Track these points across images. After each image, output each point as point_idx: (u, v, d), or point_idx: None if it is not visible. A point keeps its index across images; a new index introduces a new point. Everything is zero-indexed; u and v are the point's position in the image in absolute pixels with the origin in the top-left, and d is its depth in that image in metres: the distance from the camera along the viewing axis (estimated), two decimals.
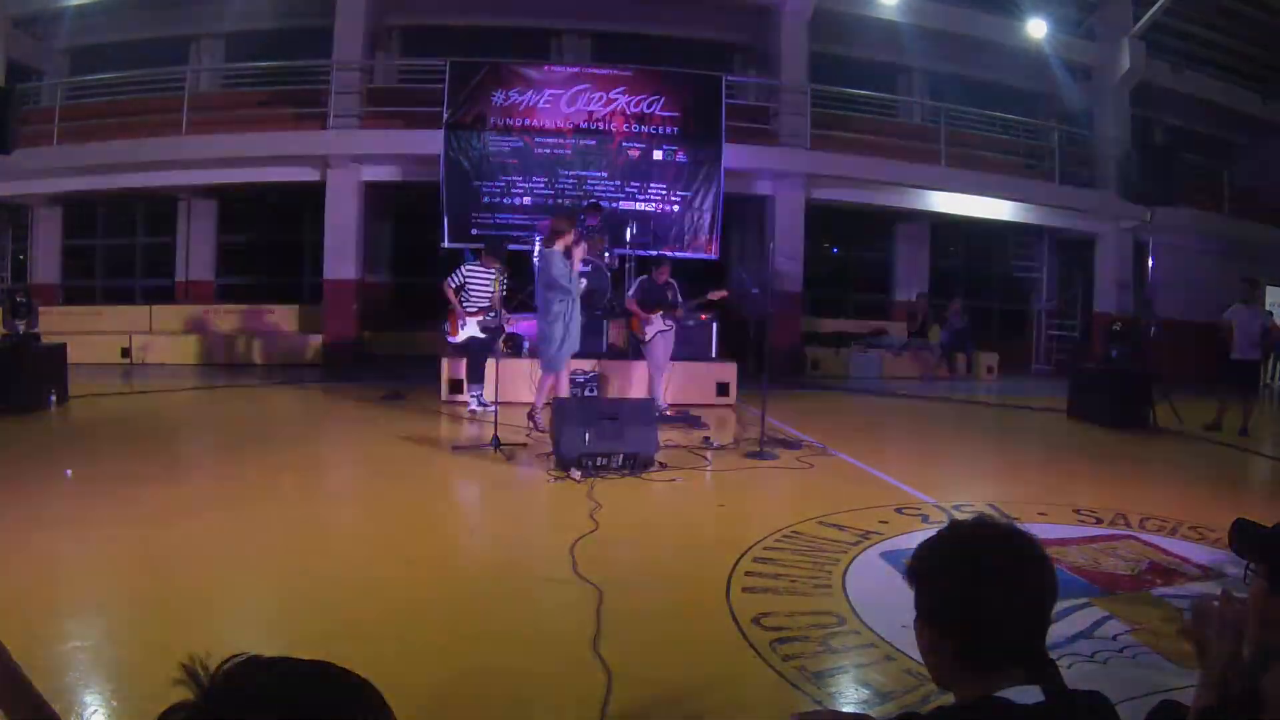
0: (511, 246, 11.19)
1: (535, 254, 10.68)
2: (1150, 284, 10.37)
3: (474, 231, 11.61)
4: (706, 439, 7.18)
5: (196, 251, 14.43)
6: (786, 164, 12.89)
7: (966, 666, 1.23)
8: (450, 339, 8.44)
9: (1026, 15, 14.06)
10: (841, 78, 14.03)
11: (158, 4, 13.69)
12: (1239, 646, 1.53)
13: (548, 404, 7.14)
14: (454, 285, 8.31)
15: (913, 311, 13.97)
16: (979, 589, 1.22)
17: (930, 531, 1.38)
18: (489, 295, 8.17)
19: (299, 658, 0.89)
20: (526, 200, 11.94)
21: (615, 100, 12.11)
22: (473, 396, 8.55)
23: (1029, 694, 1.19)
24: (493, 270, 8.09)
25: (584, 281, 7.57)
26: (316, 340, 12.80)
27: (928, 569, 1.30)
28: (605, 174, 12.12)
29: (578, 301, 7.38)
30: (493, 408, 8.00)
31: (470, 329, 8.24)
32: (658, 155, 12.19)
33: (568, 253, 7.24)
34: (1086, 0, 15.14)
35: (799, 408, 9.63)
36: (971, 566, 1.25)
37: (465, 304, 8.29)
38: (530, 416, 7.44)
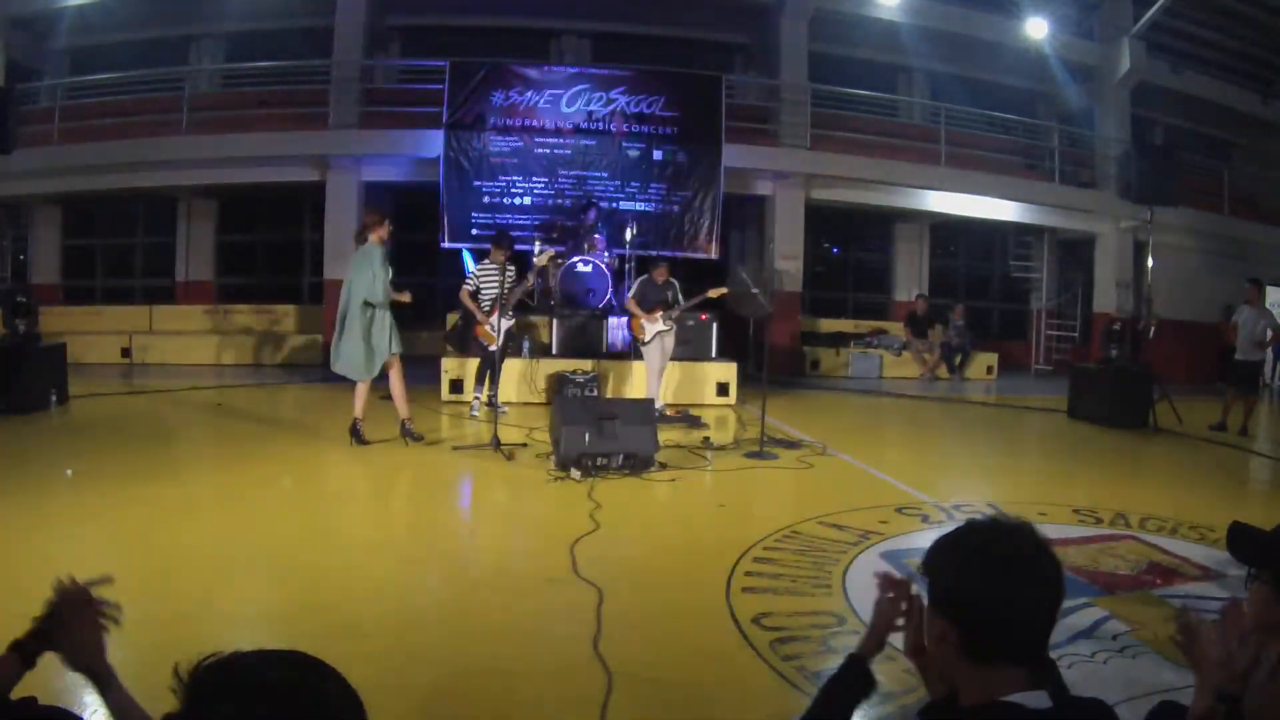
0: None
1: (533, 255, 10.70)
2: (1150, 284, 10.36)
3: (474, 232, 11.62)
4: (706, 439, 7.18)
5: (196, 251, 14.40)
6: (786, 164, 12.88)
7: (970, 661, 1.25)
8: (488, 347, 7.91)
9: (1026, 15, 14.05)
10: (841, 78, 14.01)
11: (158, 4, 13.66)
12: (1235, 654, 1.55)
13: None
14: (470, 290, 8.05)
15: (913, 311, 13.96)
16: (992, 582, 1.25)
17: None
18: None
19: (269, 649, 0.93)
20: (526, 200, 11.94)
21: (615, 100, 12.11)
22: (476, 399, 8.44)
23: (1036, 699, 1.20)
24: (497, 266, 7.67)
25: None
26: (316, 340, 12.79)
27: (944, 560, 1.32)
28: (605, 174, 12.11)
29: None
30: (503, 409, 7.98)
31: (503, 328, 7.67)
32: (658, 155, 12.18)
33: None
34: (1086, 0, 15.14)
35: (799, 408, 9.64)
36: (986, 560, 1.27)
37: (484, 306, 7.99)
38: (352, 433, 6.60)
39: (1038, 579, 1.26)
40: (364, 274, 6.48)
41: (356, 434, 6.62)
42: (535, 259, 7.71)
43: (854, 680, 1.58)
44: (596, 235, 10.40)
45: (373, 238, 6.64)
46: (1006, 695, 1.21)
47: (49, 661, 1.49)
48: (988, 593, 1.24)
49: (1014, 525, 1.34)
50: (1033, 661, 1.25)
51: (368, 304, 6.47)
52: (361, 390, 6.62)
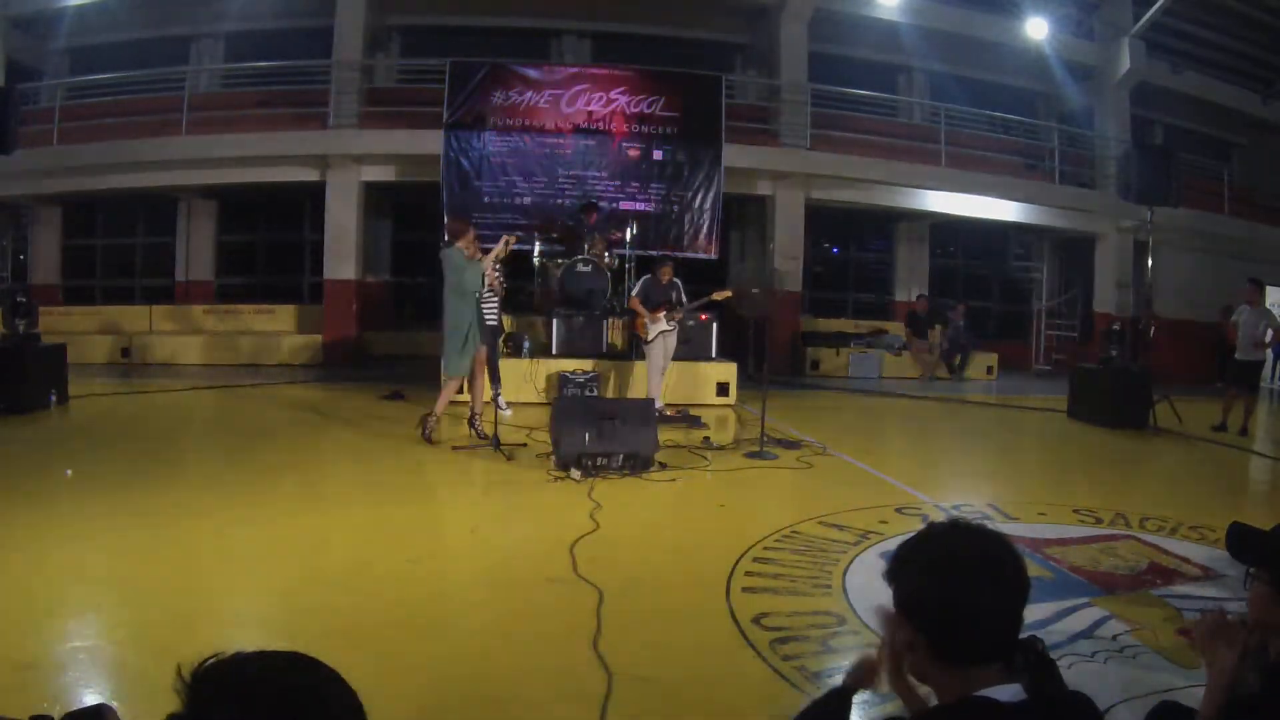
0: (513, 246, 11.18)
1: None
2: (1150, 284, 10.36)
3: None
4: (706, 439, 7.17)
5: (196, 251, 14.41)
6: (786, 164, 12.89)
7: (942, 663, 1.26)
8: None
9: (1026, 15, 14.06)
10: (841, 78, 14.02)
11: (158, 4, 13.68)
12: (1243, 654, 1.56)
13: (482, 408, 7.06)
14: None
15: (913, 311, 13.97)
16: (953, 587, 1.26)
17: None
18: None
19: (271, 650, 0.93)
20: (526, 200, 11.93)
21: (615, 100, 12.11)
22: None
23: (1011, 692, 1.21)
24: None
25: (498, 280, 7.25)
26: (316, 340, 12.80)
27: (906, 568, 1.33)
28: (605, 174, 12.11)
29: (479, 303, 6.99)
30: (508, 410, 7.97)
31: None
32: (658, 155, 12.18)
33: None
34: (1086, 0, 15.15)
35: (799, 407, 9.64)
36: (946, 566, 1.28)
37: None
38: (423, 423, 6.87)
39: (998, 581, 1.27)
40: (446, 278, 6.83)
41: (475, 427, 6.99)
42: (496, 249, 7.46)
43: (831, 713, 1.60)
44: (598, 235, 10.36)
45: (459, 243, 6.90)
46: (979, 691, 1.22)
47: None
48: (949, 598, 1.25)
49: (973, 528, 1.35)
50: (1003, 659, 1.25)
51: (459, 305, 6.79)
52: (450, 387, 6.92)
